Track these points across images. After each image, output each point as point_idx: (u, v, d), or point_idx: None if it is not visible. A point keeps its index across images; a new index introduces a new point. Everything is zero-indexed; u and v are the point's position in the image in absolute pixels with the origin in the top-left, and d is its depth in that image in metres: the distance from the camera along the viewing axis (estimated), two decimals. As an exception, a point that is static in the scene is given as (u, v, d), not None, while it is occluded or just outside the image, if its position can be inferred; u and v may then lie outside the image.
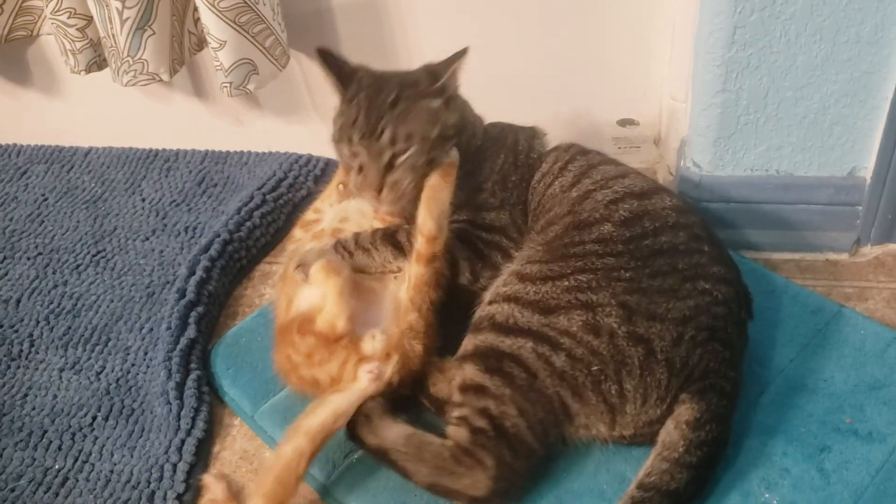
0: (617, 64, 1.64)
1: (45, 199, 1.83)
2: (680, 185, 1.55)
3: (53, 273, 1.62)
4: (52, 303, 1.55)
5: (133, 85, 1.60)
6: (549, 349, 1.11)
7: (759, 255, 1.52)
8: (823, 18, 1.29)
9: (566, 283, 1.15)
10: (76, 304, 1.54)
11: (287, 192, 1.71)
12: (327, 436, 1.11)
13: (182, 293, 1.46)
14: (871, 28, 1.29)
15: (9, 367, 1.43)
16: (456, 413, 1.13)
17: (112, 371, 1.40)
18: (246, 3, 1.47)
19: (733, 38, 1.33)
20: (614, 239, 1.19)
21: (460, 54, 1.25)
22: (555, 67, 1.66)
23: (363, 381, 1.12)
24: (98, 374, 1.40)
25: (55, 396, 1.37)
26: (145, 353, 1.43)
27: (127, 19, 1.52)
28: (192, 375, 1.34)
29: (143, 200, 1.79)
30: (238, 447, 1.29)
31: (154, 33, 1.55)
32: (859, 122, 1.39)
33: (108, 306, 1.53)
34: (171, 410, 1.29)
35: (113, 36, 1.55)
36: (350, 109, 1.26)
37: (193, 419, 1.28)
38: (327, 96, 1.78)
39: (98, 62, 1.68)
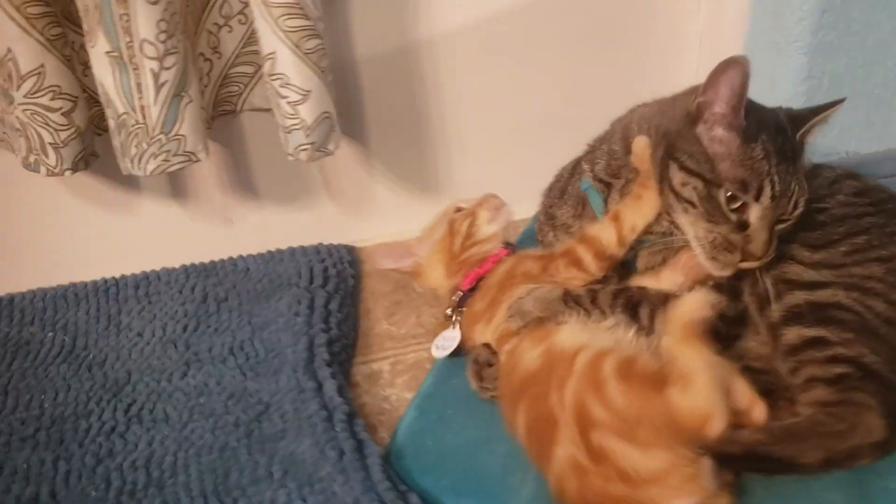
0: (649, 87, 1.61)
1: None
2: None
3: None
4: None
5: (160, 172, 1.22)
6: (860, 294, 0.98)
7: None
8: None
9: (842, 248, 1.04)
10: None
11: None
12: None
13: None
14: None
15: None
16: (798, 379, 0.96)
17: None
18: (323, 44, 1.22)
19: (821, 22, 1.37)
20: (856, 203, 1.11)
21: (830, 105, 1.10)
22: (586, 103, 1.59)
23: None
24: None
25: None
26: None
27: (164, 83, 1.17)
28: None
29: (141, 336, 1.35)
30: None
31: (191, 100, 1.21)
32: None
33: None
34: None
35: (141, 108, 1.19)
36: (756, 152, 1.02)
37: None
38: (341, 175, 1.52)
39: (85, 157, 1.27)
